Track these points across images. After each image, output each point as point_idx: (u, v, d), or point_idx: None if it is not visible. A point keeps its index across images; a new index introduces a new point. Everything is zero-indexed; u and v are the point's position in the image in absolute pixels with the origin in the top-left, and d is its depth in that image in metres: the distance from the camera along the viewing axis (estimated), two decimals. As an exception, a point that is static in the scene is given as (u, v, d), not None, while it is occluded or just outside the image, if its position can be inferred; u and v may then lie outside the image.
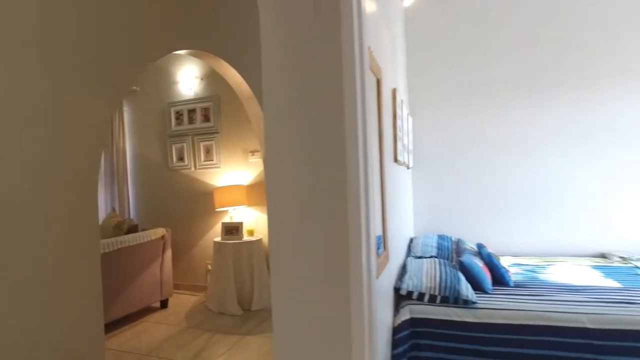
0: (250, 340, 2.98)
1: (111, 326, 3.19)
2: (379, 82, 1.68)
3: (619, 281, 2.54)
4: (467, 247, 3.06)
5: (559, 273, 2.80)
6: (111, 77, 2.00)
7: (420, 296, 2.14)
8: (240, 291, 3.63)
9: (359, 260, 0.97)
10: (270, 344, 2.90)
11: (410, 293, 2.15)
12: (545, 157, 3.36)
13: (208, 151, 4.13)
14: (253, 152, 3.94)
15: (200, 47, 2.72)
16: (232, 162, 4.04)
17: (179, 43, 2.55)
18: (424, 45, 3.65)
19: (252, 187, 3.95)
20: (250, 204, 3.95)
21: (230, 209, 3.83)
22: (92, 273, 1.88)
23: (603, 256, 3.21)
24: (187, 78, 4.17)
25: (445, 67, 3.59)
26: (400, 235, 2.68)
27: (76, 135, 1.80)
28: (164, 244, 3.65)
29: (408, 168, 3.23)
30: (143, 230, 3.53)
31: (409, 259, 2.74)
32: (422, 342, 2.05)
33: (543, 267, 2.99)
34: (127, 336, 3.11)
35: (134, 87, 4.42)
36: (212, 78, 4.10)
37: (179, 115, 4.24)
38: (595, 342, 1.88)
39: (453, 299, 2.12)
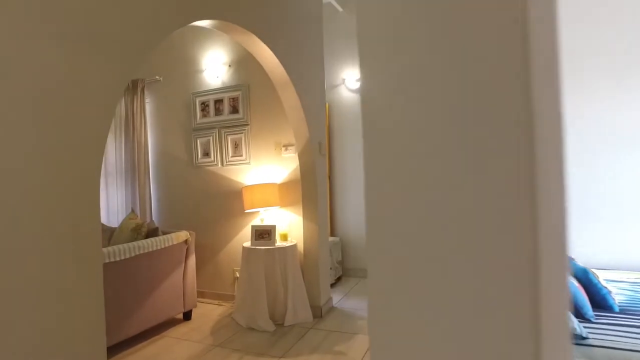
0: (286, 365, 2.54)
1: (130, 342, 2.81)
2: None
3: None
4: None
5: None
6: (117, 56, 1.54)
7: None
8: (273, 304, 3.19)
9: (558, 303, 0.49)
10: (311, 372, 2.44)
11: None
12: (640, 151, 2.77)
13: (236, 145, 3.72)
14: (287, 146, 3.49)
15: (227, 17, 2.26)
16: (263, 158, 3.61)
17: (201, 11, 2.07)
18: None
19: (285, 186, 3.51)
20: (283, 205, 3.51)
21: (261, 210, 3.40)
22: (92, 284, 1.46)
23: None
24: (214, 65, 3.77)
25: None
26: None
27: (74, 126, 1.39)
28: (188, 249, 3.25)
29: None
30: (164, 233, 3.14)
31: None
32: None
33: (648, 286, 2.42)
34: (145, 355, 2.72)
35: (157, 77, 4.06)
36: (241, 64, 3.68)
37: (204, 106, 3.85)
38: None
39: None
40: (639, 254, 2.76)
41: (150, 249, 2.84)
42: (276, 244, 3.23)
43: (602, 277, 2.54)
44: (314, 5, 3.46)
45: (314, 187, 3.29)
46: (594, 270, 2.45)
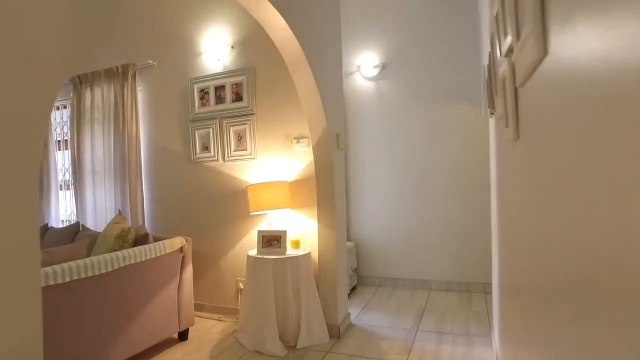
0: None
1: (112, 372, 2.34)
2: None
3: None
4: None
5: None
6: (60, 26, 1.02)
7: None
8: (283, 323, 2.72)
9: None
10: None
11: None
12: None
13: (240, 138, 3.25)
14: (298, 138, 3.02)
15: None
16: (271, 152, 3.14)
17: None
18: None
19: (297, 185, 3.04)
20: (295, 207, 3.04)
21: (268, 212, 2.93)
22: (27, 304, 0.98)
23: None
24: (215, 47, 3.30)
25: None
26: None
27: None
28: (183, 258, 2.78)
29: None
30: (156, 239, 2.67)
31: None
32: None
33: None
34: (131, 388, 2.26)
35: (150, 61, 3.59)
36: (246, 45, 3.21)
37: (203, 93, 3.37)
38: None
39: None
40: None
41: (138, 260, 2.37)
42: (287, 253, 2.76)
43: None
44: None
45: (331, 186, 2.82)
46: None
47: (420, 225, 3.97)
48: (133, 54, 3.69)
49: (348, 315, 3.10)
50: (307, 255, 2.79)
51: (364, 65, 4.11)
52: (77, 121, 3.86)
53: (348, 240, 4.13)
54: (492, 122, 2.35)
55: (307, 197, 2.98)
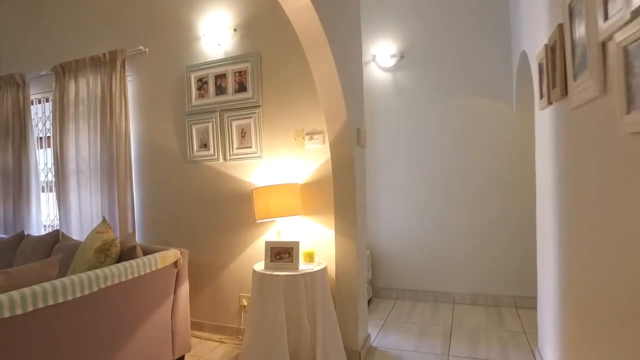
0: None
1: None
2: None
3: None
4: None
5: None
6: None
7: None
8: (295, 348, 2.32)
9: None
10: None
11: None
12: None
13: (244, 134, 2.84)
14: (312, 134, 2.62)
15: None
16: (280, 150, 2.74)
17: None
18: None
19: (310, 188, 2.63)
20: (307, 213, 2.63)
21: (277, 220, 2.52)
22: None
23: None
24: (215, 30, 2.89)
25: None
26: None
27: None
28: (178, 274, 2.37)
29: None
30: (146, 252, 2.26)
31: None
32: None
33: None
34: None
35: (141, 47, 3.18)
36: (250, 27, 2.80)
37: (202, 83, 2.96)
38: None
39: None
40: None
41: (123, 279, 1.96)
42: (300, 268, 2.36)
43: None
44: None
45: (352, 190, 2.42)
46: None
47: (443, 232, 3.58)
48: (122, 39, 3.28)
49: (368, 337, 2.70)
50: (323, 271, 2.38)
51: (380, 55, 3.71)
52: (60, 116, 3.44)
53: (362, 248, 3.73)
54: (545, 114, 1.95)
55: (322, 203, 2.57)
